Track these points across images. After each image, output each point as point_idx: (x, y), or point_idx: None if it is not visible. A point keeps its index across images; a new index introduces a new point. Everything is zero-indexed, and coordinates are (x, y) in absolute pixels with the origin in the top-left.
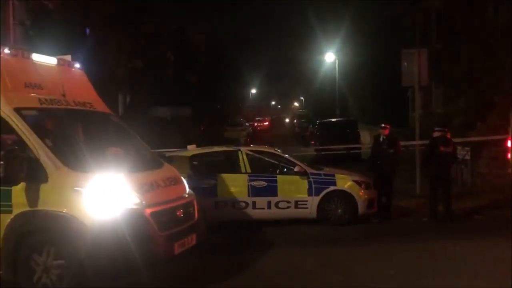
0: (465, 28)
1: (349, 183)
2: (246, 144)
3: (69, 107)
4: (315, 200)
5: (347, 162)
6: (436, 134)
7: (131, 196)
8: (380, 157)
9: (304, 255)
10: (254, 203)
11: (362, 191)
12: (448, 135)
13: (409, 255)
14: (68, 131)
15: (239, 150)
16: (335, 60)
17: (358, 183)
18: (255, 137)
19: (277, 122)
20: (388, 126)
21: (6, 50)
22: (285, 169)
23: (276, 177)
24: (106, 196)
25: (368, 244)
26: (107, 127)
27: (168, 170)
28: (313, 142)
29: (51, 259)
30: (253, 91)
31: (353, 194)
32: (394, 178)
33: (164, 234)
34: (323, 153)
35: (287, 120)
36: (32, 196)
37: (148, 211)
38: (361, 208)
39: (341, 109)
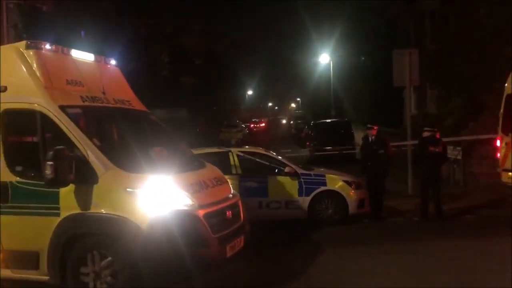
0: (458, 29)
1: (340, 183)
2: (238, 145)
3: (109, 105)
4: (305, 201)
5: (341, 163)
6: (425, 134)
7: (183, 197)
8: (370, 158)
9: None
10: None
11: (353, 191)
12: (438, 135)
13: (399, 255)
14: (112, 130)
15: (230, 151)
16: (330, 61)
17: (348, 183)
18: (252, 138)
19: (274, 123)
20: (375, 126)
21: (47, 46)
22: (276, 170)
23: (267, 178)
24: (159, 198)
25: (356, 244)
26: (147, 126)
27: (212, 170)
28: (308, 143)
29: (102, 264)
30: (250, 92)
31: (344, 194)
32: (386, 179)
33: (217, 236)
34: (317, 153)
35: (284, 121)
36: (82, 198)
37: (201, 212)
38: (351, 208)
39: (337, 110)
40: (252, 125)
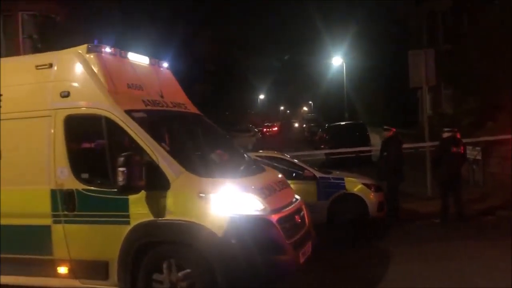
0: (472, 28)
1: (359, 186)
2: (254, 149)
3: (169, 109)
4: (324, 204)
5: (358, 166)
6: (446, 135)
7: (256, 202)
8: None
9: None
10: None
11: (372, 194)
12: (458, 135)
13: (421, 257)
14: (175, 135)
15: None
16: (343, 64)
17: (368, 186)
18: (264, 142)
19: (286, 127)
20: (390, 128)
21: (107, 49)
22: (293, 174)
23: None
24: (233, 203)
25: (377, 246)
26: (203, 130)
27: (274, 173)
28: (322, 146)
29: (179, 275)
30: (261, 96)
31: (363, 197)
32: (394, 179)
33: (290, 242)
34: (333, 157)
35: (296, 125)
36: (154, 205)
37: (275, 217)
38: (371, 211)
39: (350, 112)
40: (264, 129)
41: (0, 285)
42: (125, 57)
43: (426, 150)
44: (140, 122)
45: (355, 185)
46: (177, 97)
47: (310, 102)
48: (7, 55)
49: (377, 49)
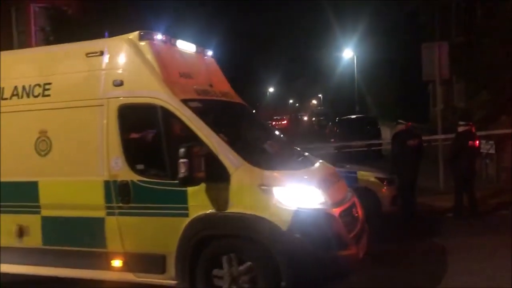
0: (486, 21)
1: (372, 179)
2: None
3: (218, 98)
4: None
5: (369, 159)
6: (461, 129)
7: (319, 195)
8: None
9: None
10: None
11: (385, 188)
12: (473, 129)
13: (436, 252)
14: (227, 125)
15: None
16: (353, 57)
17: (381, 180)
18: None
19: (296, 120)
20: (402, 122)
21: (159, 36)
22: None
23: None
24: (296, 196)
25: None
26: (249, 120)
27: (326, 165)
28: (333, 140)
29: (240, 269)
30: (271, 90)
31: (376, 191)
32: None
33: (351, 236)
34: (343, 150)
35: (305, 118)
36: (214, 197)
37: (337, 210)
38: (384, 206)
39: (360, 106)
40: (274, 123)
41: (57, 278)
42: (175, 44)
43: (439, 144)
44: (197, 112)
45: (367, 178)
46: (224, 86)
47: (320, 95)
48: (19, 48)
49: (388, 42)
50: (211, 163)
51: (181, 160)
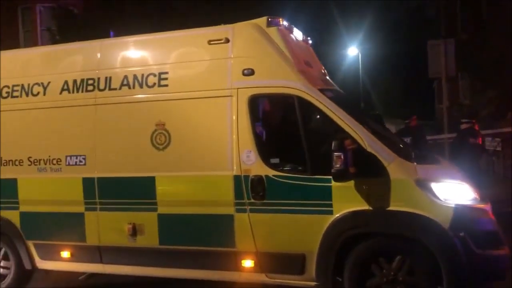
0: (492, 17)
1: None
2: None
3: (335, 88)
4: None
5: None
6: (464, 126)
7: (469, 191)
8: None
9: None
10: None
11: None
12: (476, 127)
13: None
14: (360, 116)
15: None
16: (358, 54)
17: None
18: None
19: None
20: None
21: (285, 23)
22: None
23: None
24: (452, 191)
25: None
26: (362, 111)
27: (447, 163)
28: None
29: (402, 271)
30: None
31: None
32: None
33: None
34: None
35: None
36: (367, 193)
37: (488, 207)
38: None
39: (365, 103)
40: None
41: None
42: (291, 30)
43: (445, 141)
44: (335, 102)
45: None
46: (327, 76)
47: None
48: (25, 47)
49: (393, 39)
50: (362, 156)
51: (335, 153)
